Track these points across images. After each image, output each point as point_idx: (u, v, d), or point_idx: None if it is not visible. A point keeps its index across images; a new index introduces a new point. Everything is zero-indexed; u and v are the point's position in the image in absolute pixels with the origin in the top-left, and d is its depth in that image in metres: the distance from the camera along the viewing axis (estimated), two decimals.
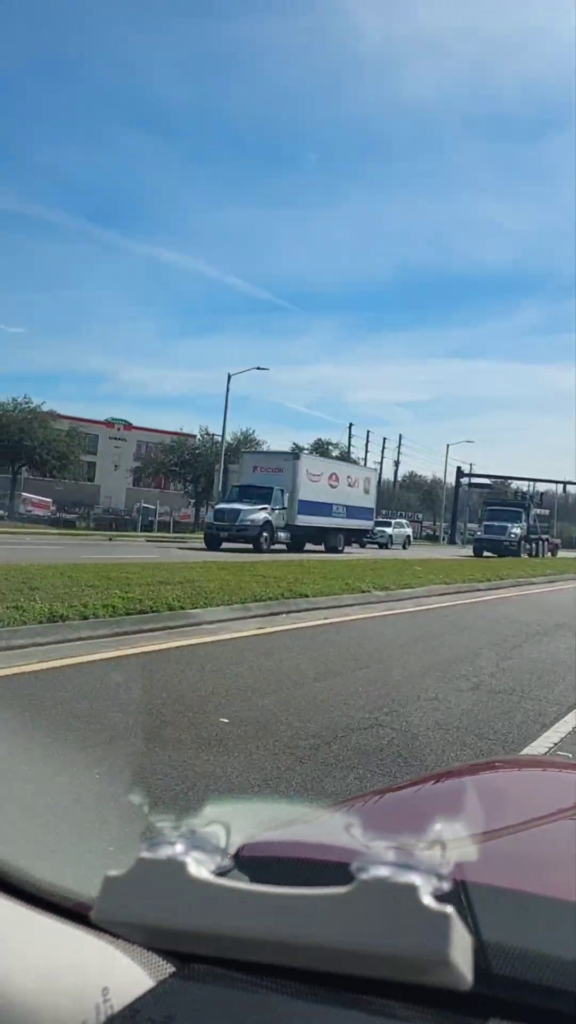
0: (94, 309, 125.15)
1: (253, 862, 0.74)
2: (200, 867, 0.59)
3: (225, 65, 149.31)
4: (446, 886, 0.55)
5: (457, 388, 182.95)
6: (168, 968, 0.69)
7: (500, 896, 0.74)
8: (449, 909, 0.53)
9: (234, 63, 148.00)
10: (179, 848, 0.60)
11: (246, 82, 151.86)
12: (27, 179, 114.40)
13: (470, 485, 62.91)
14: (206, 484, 47.95)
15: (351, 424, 70.90)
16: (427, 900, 0.53)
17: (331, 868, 0.62)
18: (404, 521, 52.66)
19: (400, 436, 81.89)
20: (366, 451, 70.94)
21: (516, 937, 0.67)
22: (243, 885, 0.59)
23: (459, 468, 63.25)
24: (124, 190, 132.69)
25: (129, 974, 0.68)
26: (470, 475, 63.73)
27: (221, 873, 0.62)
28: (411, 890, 0.53)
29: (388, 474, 75.55)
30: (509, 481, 65.62)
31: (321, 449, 60.21)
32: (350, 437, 69.82)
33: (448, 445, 76.19)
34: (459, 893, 0.67)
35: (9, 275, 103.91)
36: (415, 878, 0.54)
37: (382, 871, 0.55)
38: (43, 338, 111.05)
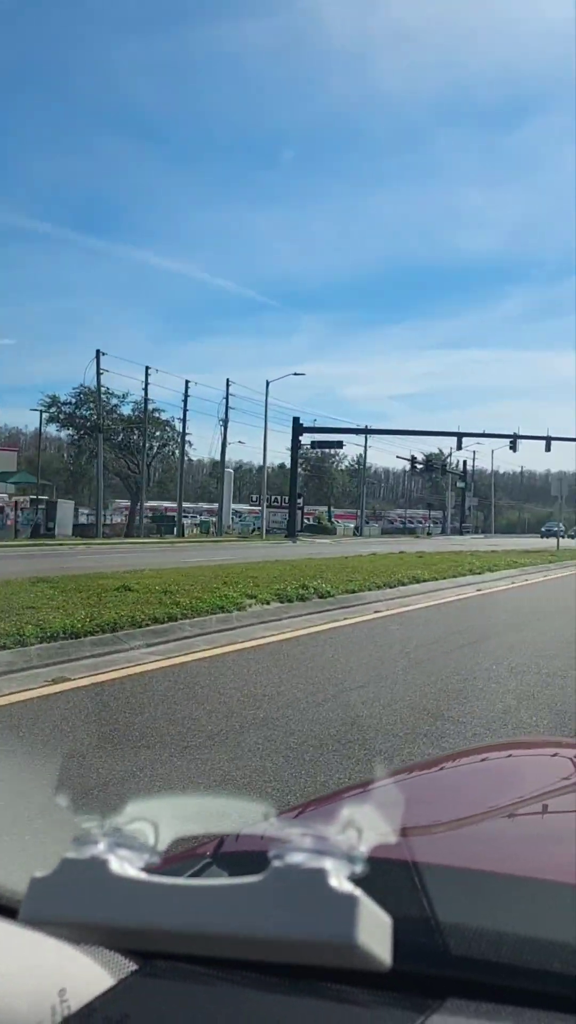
0: (85, 316, 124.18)
1: (228, 857, 0.80)
2: (124, 864, 0.59)
3: (202, 68, 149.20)
4: (359, 869, 0.56)
5: (451, 379, 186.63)
6: (130, 966, 0.72)
7: (454, 876, 0.76)
8: (357, 892, 0.53)
9: (211, 66, 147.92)
10: (102, 847, 0.61)
11: (223, 84, 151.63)
12: (10, 188, 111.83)
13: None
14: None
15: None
16: (335, 884, 0.54)
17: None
18: None
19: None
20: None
21: (472, 916, 0.69)
22: (166, 880, 0.59)
23: (296, 420, 48.03)
24: (108, 196, 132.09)
25: (89, 974, 0.70)
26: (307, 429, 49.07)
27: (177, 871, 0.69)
28: (320, 874, 0.54)
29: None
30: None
31: None
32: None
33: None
34: (412, 875, 0.71)
35: None
36: (325, 862, 0.55)
37: (296, 857, 0.56)
38: (34, 348, 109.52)
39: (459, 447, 45.46)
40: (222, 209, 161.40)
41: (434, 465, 61.06)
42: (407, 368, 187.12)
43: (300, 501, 63.40)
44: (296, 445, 47.29)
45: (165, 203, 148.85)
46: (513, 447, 47.01)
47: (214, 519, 53.47)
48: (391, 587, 12.92)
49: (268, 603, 9.66)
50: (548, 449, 46.67)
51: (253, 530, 54.97)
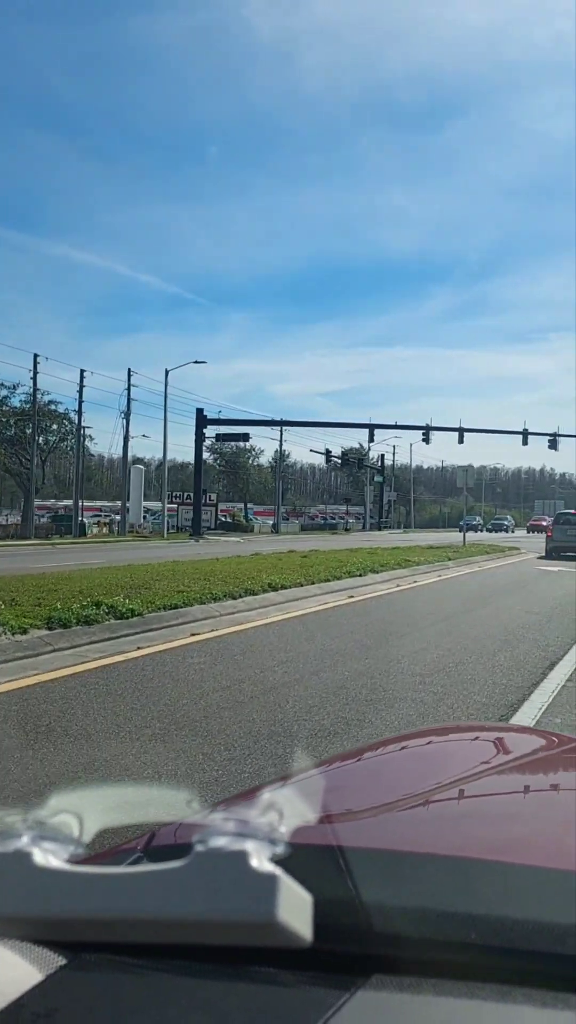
0: (3, 313, 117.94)
1: (159, 850, 0.81)
2: (48, 857, 0.60)
3: (123, 61, 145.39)
4: (280, 850, 0.57)
5: (378, 376, 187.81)
6: (59, 961, 0.72)
7: (378, 858, 0.79)
8: (278, 871, 0.55)
9: (131, 59, 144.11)
10: (25, 840, 0.61)
11: (144, 78, 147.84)
12: None
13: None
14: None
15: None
16: (255, 864, 0.55)
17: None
18: None
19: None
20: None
21: (395, 895, 0.72)
22: (90, 869, 0.59)
23: (199, 412, 45.63)
24: (27, 190, 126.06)
25: (15, 970, 0.70)
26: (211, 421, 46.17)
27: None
28: (241, 857, 0.55)
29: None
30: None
31: None
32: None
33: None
34: (336, 858, 0.73)
35: None
36: (247, 845, 0.56)
37: (218, 841, 0.57)
38: None
39: (371, 439, 43.88)
40: (145, 204, 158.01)
41: (350, 459, 59.19)
42: (335, 365, 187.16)
43: (215, 497, 61.09)
44: (200, 438, 44.53)
45: (85, 197, 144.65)
46: (426, 439, 45.69)
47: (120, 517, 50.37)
48: (236, 597, 10.59)
49: (26, 631, 7.15)
50: (461, 441, 45.52)
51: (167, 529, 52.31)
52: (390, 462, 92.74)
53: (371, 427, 44.31)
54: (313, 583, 12.81)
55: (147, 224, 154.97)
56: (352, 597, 12.50)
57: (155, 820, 0.88)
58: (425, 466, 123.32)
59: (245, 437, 52.44)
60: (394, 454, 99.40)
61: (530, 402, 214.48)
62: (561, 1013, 0.64)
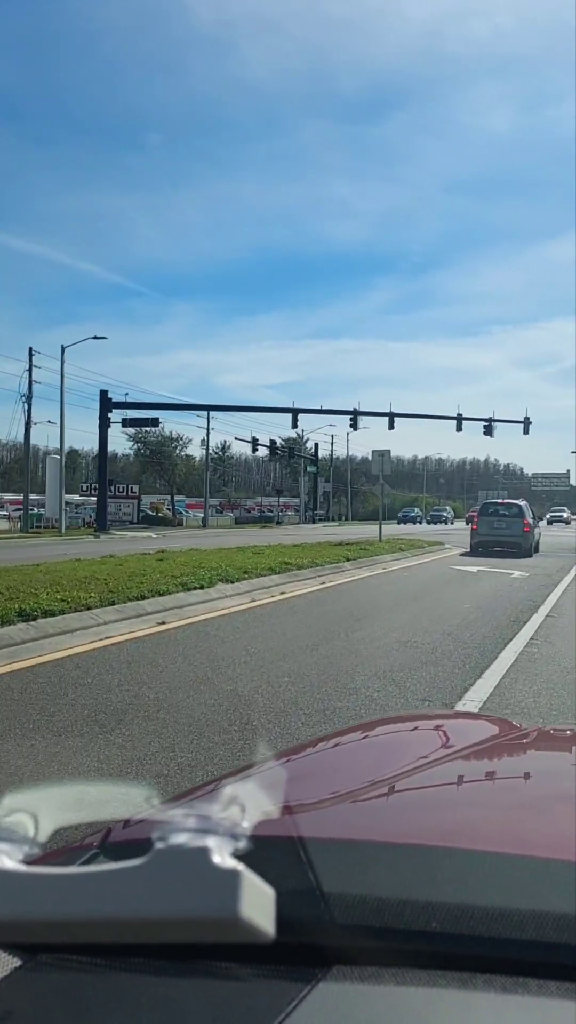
0: None
1: (116, 846, 0.80)
2: (2, 858, 0.58)
3: (59, 45, 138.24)
4: (242, 845, 0.57)
5: (325, 369, 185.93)
6: (14, 963, 0.72)
7: (338, 848, 0.78)
8: (240, 867, 0.54)
9: (68, 43, 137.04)
10: None
11: (81, 62, 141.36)
12: None
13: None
14: None
15: None
16: (218, 860, 0.54)
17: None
18: None
19: None
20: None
21: (355, 885, 0.72)
22: (47, 869, 0.58)
23: (103, 394, 41.16)
24: None
25: None
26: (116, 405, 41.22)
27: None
28: (202, 853, 0.54)
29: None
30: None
31: None
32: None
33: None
34: (297, 850, 0.73)
35: None
36: (208, 841, 0.55)
37: (179, 838, 0.56)
38: None
39: (294, 424, 40.32)
40: (86, 192, 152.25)
41: (278, 449, 55.51)
42: (282, 357, 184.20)
43: (137, 489, 56.96)
44: (104, 423, 40.28)
45: (22, 184, 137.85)
46: (353, 424, 42.41)
47: (43, 511, 45.78)
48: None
49: None
50: (391, 427, 42.38)
51: (84, 523, 48.11)
52: (331, 453, 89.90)
53: (294, 411, 40.74)
54: (113, 604, 9.07)
55: (88, 212, 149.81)
56: (163, 624, 8.82)
57: (111, 817, 0.87)
58: (360, 456, 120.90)
59: (154, 422, 48.09)
60: (332, 444, 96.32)
61: (475, 394, 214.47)
62: (522, 998, 0.65)
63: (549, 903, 0.70)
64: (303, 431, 58.50)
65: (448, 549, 24.85)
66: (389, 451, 23.94)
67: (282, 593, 12.11)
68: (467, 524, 42.06)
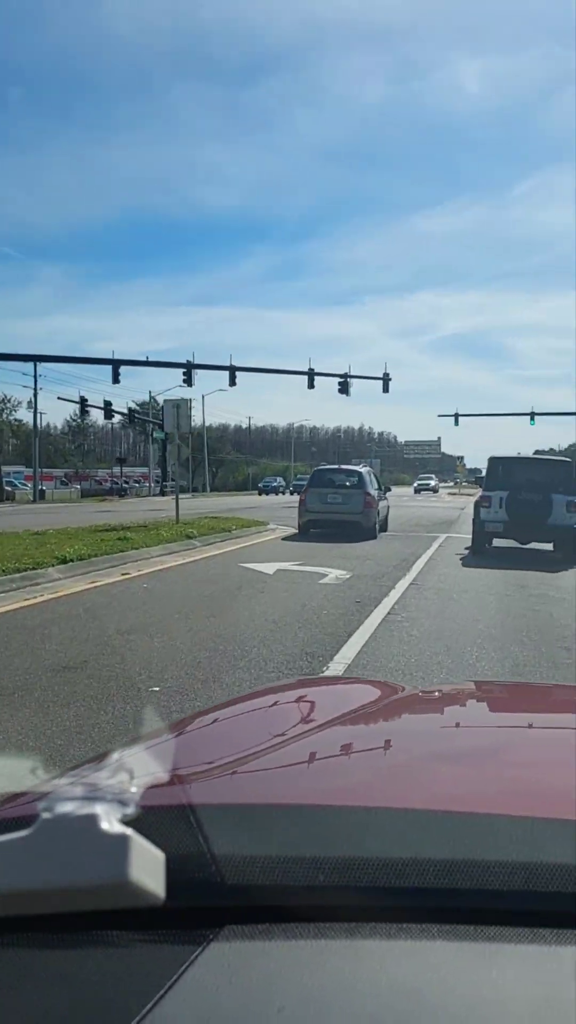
0: None
1: (4, 823, 0.77)
2: None
3: None
4: (131, 811, 0.57)
5: (203, 336, 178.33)
6: None
7: (228, 812, 0.80)
8: (128, 831, 0.54)
9: None
10: None
11: None
12: None
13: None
14: None
15: None
16: (106, 827, 0.54)
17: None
18: None
19: None
20: None
21: (245, 847, 0.73)
22: None
23: None
24: None
25: None
26: None
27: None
28: (91, 820, 0.54)
29: None
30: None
31: None
32: None
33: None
34: (188, 817, 0.73)
35: None
36: (96, 808, 0.55)
37: (66, 807, 0.55)
38: None
39: (115, 380, 33.35)
40: None
41: (113, 411, 48.16)
42: (159, 324, 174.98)
43: None
44: None
45: None
46: (188, 380, 35.99)
47: None
48: None
49: None
50: (232, 383, 36.35)
51: None
52: (195, 419, 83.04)
53: (115, 363, 33.89)
54: None
55: None
56: None
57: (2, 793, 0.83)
58: (233, 424, 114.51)
59: None
60: (203, 409, 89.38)
61: (352, 364, 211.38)
62: (404, 943, 0.68)
63: (426, 851, 0.73)
64: (153, 394, 51.64)
65: (271, 531, 19.04)
66: (188, 401, 17.89)
67: None
68: (294, 495, 34.56)
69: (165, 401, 17.72)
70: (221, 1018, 0.60)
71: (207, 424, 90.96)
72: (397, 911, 0.69)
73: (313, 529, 18.03)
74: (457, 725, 1.43)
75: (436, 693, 1.79)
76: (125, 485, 65.79)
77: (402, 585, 10.36)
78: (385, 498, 19.83)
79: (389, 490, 22.86)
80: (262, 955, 0.67)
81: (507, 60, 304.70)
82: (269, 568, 11.75)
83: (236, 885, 0.70)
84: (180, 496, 20.64)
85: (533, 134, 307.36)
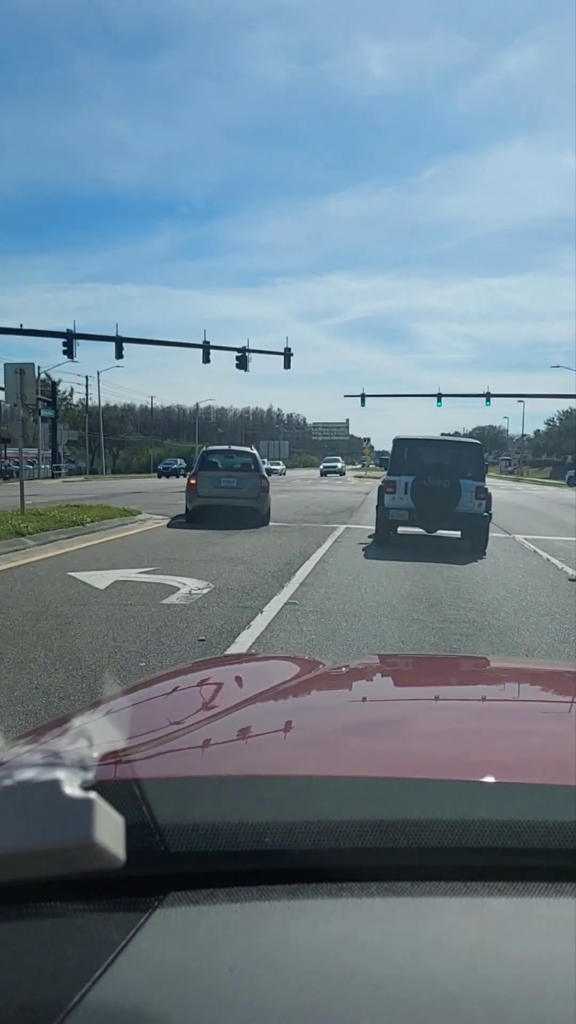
0: None
1: None
2: None
3: None
4: (91, 776, 0.58)
5: (108, 315, 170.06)
6: None
7: (171, 784, 0.83)
8: (92, 795, 0.55)
9: None
10: None
11: None
12: None
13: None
14: None
15: None
16: (70, 791, 0.55)
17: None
18: None
19: None
20: None
21: (188, 816, 0.76)
22: None
23: None
24: None
25: None
26: None
27: None
28: (54, 785, 0.55)
29: None
30: None
31: None
32: None
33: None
34: (133, 790, 0.75)
35: None
36: (58, 773, 0.56)
37: (27, 774, 0.56)
38: None
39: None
40: None
41: None
42: (61, 301, 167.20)
43: None
44: None
45: None
46: (69, 352, 32.36)
47: None
48: None
49: None
50: (119, 355, 32.98)
51: None
52: (90, 397, 78.64)
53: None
54: None
55: None
56: None
57: None
58: (138, 405, 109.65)
59: None
60: (87, 387, 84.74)
61: (260, 345, 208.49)
62: (346, 900, 0.71)
63: (365, 813, 0.77)
64: (44, 371, 47.30)
65: (140, 522, 16.00)
66: (33, 365, 14.51)
67: None
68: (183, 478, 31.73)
69: (5, 365, 14.43)
70: (172, 980, 0.62)
71: (108, 404, 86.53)
72: (338, 871, 0.73)
73: (200, 517, 15.69)
74: (377, 697, 1.52)
75: (354, 666, 1.82)
76: (13, 467, 61.01)
77: (275, 605, 7.64)
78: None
79: (282, 474, 20.77)
80: (208, 917, 0.69)
81: (411, 46, 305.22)
82: (104, 579, 8.83)
83: (179, 852, 0.72)
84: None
85: (438, 120, 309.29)
